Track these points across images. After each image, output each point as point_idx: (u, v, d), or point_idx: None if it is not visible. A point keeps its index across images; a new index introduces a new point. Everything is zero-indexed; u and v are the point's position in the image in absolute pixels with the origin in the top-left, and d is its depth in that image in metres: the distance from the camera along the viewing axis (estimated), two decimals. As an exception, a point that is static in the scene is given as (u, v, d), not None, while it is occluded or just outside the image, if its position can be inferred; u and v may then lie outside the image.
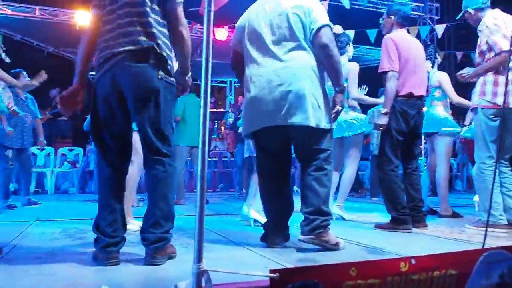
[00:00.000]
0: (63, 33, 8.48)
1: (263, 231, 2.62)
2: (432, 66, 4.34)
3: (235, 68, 2.76)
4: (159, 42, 2.07)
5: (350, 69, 3.90)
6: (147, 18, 2.05)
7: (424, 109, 4.23)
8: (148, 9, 2.06)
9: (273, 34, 2.48)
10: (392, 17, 3.49)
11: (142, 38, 2.04)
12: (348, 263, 1.81)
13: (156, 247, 2.05)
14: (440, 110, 4.26)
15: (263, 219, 3.69)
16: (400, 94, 3.30)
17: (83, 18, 7.98)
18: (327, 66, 2.48)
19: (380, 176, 3.41)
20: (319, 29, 2.41)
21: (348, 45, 4.05)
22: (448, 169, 4.29)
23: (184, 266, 1.81)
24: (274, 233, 2.56)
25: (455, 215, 4.10)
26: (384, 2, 10.67)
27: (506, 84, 3.09)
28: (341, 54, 4.02)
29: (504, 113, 3.22)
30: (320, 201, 2.39)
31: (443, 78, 4.32)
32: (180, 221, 3.57)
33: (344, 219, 3.89)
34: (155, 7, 2.10)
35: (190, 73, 2.33)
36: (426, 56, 4.33)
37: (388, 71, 3.28)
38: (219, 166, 9.01)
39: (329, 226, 2.41)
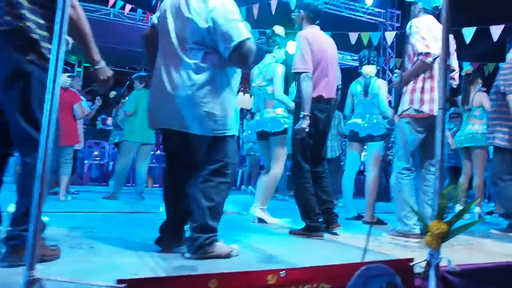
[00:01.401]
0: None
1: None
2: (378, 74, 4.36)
3: None
4: (29, 24, 1.89)
5: (276, 71, 3.84)
6: None
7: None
8: None
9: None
10: (302, 11, 3.37)
11: (8, 19, 1.87)
12: (208, 275, 1.72)
13: (12, 244, 1.86)
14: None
15: (269, 218, 3.71)
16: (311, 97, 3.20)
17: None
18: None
19: (294, 183, 3.36)
20: None
21: (278, 48, 3.99)
22: (377, 176, 4.28)
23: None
24: (168, 237, 2.43)
25: (379, 222, 4.10)
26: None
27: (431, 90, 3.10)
28: (268, 52, 3.97)
29: (430, 121, 3.22)
30: (204, 216, 2.25)
31: (381, 85, 4.32)
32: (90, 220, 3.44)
33: (266, 222, 3.82)
34: None
35: (100, 63, 2.14)
36: (370, 61, 4.35)
37: (302, 72, 3.18)
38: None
39: (215, 241, 2.28)
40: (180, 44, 2.30)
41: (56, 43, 1.44)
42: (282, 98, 3.85)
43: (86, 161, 7.59)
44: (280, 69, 3.87)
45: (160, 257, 2.24)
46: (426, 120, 3.18)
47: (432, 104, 3.15)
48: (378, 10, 11.70)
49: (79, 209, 4.19)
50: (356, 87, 4.40)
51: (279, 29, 4.02)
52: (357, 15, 11.37)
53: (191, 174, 2.37)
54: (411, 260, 1.98)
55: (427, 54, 3.02)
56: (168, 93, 2.27)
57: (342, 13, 11.00)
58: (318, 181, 3.34)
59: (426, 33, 3.10)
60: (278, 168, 3.82)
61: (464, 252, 2.89)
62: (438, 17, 3.36)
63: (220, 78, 2.30)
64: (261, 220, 3.84)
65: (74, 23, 1.96)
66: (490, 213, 5.76)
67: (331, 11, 10.51)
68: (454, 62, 3.39)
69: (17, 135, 1.95)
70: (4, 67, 1.88)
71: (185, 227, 2.44)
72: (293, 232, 3.25)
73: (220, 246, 2.30)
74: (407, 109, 3.20)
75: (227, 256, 2.29)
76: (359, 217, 4.34)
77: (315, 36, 3.29)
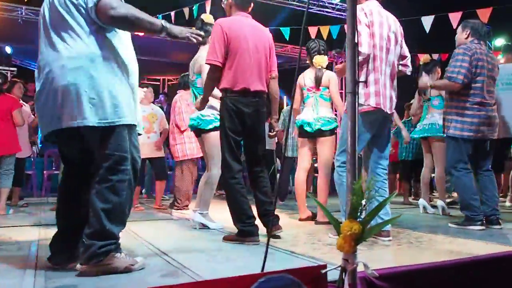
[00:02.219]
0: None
1: None
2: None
3: None
4: None
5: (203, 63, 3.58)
6: None
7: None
8: None
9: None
10: None
11: None
12: None
13: None
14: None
15: (211, 223, 3.50)
16: (233, 90, 2.95)
17: None
18: None
19: (223, 184, 3.11)
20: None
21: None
22: (327, 173, 4.04)
23: None
24: (59, 251, 2.13)
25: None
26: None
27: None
28: (202, 43, 3.69)
29: (379, 115, 3.02)
30: (99, 220, 1.98)
31: (332, 78, 4.10)
32: None
33: (209, 228, 3.55)
34: None
35: None
36: (320, 51, 4.13)
37: (209, 63, 2.96)
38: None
39: (113, 250, 2.01)
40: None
41: None
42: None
43: (45, 171, 7.22)
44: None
45: (44, 276, 1.96)
46: (374, 114, 2.98)
47: (378, 97, 2.96)
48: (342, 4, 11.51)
49: (8, 223, 3.86)
50: (304, 79, 4.15)
51: (207, 18, 3.75)
52: (326, 11, 11.16)
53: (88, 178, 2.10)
54: (324, 266, 1.73)
55: (358, 53, 2.83)
56: None
57: (311, 9, 10.78)
58: (256, 181, 3.07)
59: (362, 27, 2.89)
60: (215, 168, 3.52)
61: (410, 251, 2.66)
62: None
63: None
64: (204, 226, 3.57)
65: None
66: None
67: (300, 8, 10.29)
68: (404, 48, 3.20)
69: None
70: None
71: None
72: (226, 238, 2.98)
73: (119, 259, 2.02)
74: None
75: (127, 270, 2.02)
76: (313, 216, 4.09)
77: (235, 25, 3.01)
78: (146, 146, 5.20)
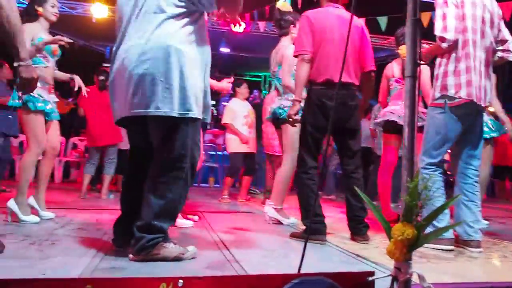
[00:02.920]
0: (82, 25, 8.65)
1: None
2: None
3: None
4: None
5: (286, 55, 3.44)
6: None
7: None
8: None
9: None
10: None
11: None
12: (83, 279, 1.47)
13: None
14: None
15: (284, 219, 3.44)
16: (316, 81, 2.79)
17: (99, 11, 8.08)
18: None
19: (295, 179, 2.97)
20: None
21: (293, 26, 3.58)
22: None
23: None
24: (119, 234, 2.22)
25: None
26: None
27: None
28: (283, 34, 3.59)
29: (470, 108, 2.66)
30: (150, 215, 2.01)
31: (422, 68, 3.71)
32: None
33: (281, 223, 3.46)
34: None
35: (24, 60, 1.96)
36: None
37: (297, 55, 2.82)
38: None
39: (161, 241, 2.02)
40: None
41: None
42: (288, 86, 3.45)
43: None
44: (290, 52, 3.48)
45: (101, 257, 2.05)
46: (465, 108, 2.64)
47: (470, 88, 2.60)
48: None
49: (102, 206, 4.18)
50: (392, 70, 3.83)
51: (284, 5, 3.63)
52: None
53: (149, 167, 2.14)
54: (371, 273, 1.53)
55: (442, 39, 2.53)
56: None
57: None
58: (347, 181, 2.88)
59: (449, 7, 2.56)
60: (290, 161, 3.41)
61: (502, 267, 2.29)
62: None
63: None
64: (278, 221, 3.48)
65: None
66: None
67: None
68: (503, 31, 2.76)
69: None
70: None
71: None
72: (293, 235, 2.86)
73: (168, 248, 2.03)
74: (440, 97, 2.67)
75: (177, 259, 2.02)
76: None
77: (321, 15, 2.87)
78: (251, 141, 5.37)
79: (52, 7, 3.14)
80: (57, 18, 3.18)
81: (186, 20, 2.08)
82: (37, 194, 3.17)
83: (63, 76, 3.37)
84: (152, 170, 2.08)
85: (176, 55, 2.01)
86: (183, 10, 2.06)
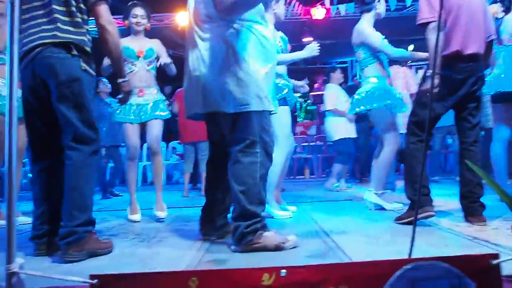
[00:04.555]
0: (170, 35, 9.11)
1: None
2: (506, 12, 3.31)
3: None
4: (83, 38, 2.10)
5: (365, 32, 3.25)
6: (74, 17, 2.08)
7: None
8: (73, 8, 2.08)
9: None
10: None
11: (66, 34, 2.06)
12: (188, 272, 1.49)
13: (67, 242, 1.94)
14: None
15: (387, 204, 3.30)
16: (443, 54, 2.52)
17: (184, 19, 8.46)
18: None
19: (404, 151, 2.76)
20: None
21: (378, 1, 3.35)
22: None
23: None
24: (203, 224, 2.35)
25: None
26: None
27: None
28: (368, 10, 3.37)
29: None
30: (240, 201, 2.04)
31: None
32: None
33: (384, 209, 3.27)
34: (80, 4, 2.11)
35: (123, 77, 2.33)
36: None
37: (429, 22, 2.52)
38: (325, 151, 8.62)
39: (260, 229, 2.03)
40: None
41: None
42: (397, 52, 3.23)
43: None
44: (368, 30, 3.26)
45: (205, 250, 2.10)
46: None
47: None
48: None
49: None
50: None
51: None
52: None
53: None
54: (495, 256, 1.36)
55: None
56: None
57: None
58: (464, 154, 2.64)
59: None
60: (390, 144, 3.21)
61: None
62: None
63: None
64: (380, 207, 3.31)
65: (108, 36, 2.15)
66: None
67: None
68: None
69: (67, 132, 2.07)
70: (63, 73, 2.03)
71: (223, 216, 2.39)
72: (398, 218, 2.67)
73: (269, 237, 2.02)
74: None
75: (278, 248, 2.00)
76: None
77: None
78: (352, 127, 5.26)
79: (134, 17, 3.33)
80: (141, 28, 3.35)
81: (230, 25, 2.12)
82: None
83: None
84: (230, 160, 2.14)
85: (233, 54, 2.09)
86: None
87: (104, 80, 5.54)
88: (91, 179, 2.09)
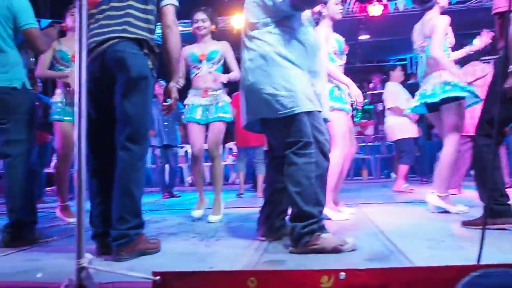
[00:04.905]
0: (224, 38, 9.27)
1: None
2: None
3: None
4: (154, 37, 2.19)
5: (437, 25, 3.08)
6: (148, 15, 2.16)
7: None
8: (151, 7, 2.17)
9: None
10: None
11: (139, 30, 2.13)
12: (247, 272, 1.50)
13: (119, 244, 2.00)
14: None
15: (452, 207, 3.14)
16: None
17: (239, 22, 8.57)
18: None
19: (473, 154, 2.59)
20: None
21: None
22: None
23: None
24: (263, 223, 2.36)
25: None
26: None
27: None
28: (428, 8, 3.23)
29: None
30: (295, 202, 2.04)
31: None
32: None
33: (449, 211, 3.12)
34: (154, 7, 2.19)
35: (176, 81, 2.33)
36: None
37: (506, 11, 2.31)
38: (384, 151, 8.38)
39: (317, 230, 2.00)
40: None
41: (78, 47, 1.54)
42: (438, 56, 3.07)
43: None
44: (443, 21, 3.10)
45: (263, 250, 2.11)
46: None
47: None
48: None
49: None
50: None
51: None
52: None
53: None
54: None
55: None
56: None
57: None
58: None
59: None
60: (452, 144, 3.05)
61: None
62: None
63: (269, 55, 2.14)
64: (443, 210, 3.16)
65: (171, 37, 2.20)
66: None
67: None
68: None
69: (124, 130, 2.09)
70: (135, 69, 2.06)
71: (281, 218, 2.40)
72: (467, 223, 2.51)
73: (327, 238, 1.99)
74: None
75: (335, 250, 1.97)
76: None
77: None
78: (413, 126, 5.09)
79: (195, 23, 3.43)
80: (204, 32, 3.44)
81: (278, 26, 2.15)
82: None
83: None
84: (285, 165, 2.13)
85: (273, 61, 2.12)
86: (271, 19, 2.16)
87: (162, 81, 5.73)
88: (141, 183, 2.14)
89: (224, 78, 3.38)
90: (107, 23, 2.12)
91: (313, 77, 2.19)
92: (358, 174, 8.19)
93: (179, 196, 5.88)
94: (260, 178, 5.39)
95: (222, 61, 3.41)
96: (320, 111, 2.17)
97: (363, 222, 2.91)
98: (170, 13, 2.19)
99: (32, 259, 2.10)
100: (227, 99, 3.48)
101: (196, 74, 3.39)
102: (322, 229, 2.03)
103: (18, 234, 2.47)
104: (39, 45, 2.65)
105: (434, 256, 1.88)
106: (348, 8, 8.21)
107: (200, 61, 3.36)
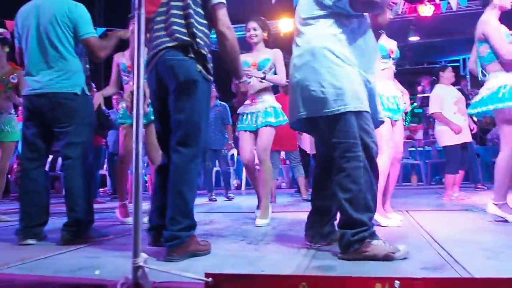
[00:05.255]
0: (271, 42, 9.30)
1: None
2: None
3: None
4: (198, 40, 2.16)
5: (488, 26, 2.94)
6: (189, 19, 2.17)
7: None
8: (191, 10, 2.18)
9: None
10: None
11: (182, 36, 2.16)
12: (299, 276, 1.49)
13: (171, 245, 2.05)
14: None
15: (507, 215, 3.00)
16: None
17: (286, 26, 8.58)
18: None
19: None
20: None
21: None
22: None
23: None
24: (311, 229, 2.31)
25: None
26: None
27: None
28: (487, 4, 3.08)
29: None
30: (345, 209, 1.99)
31: None
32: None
33: (507, 221, 2.97)
34: (197, 9, 2.21)
35: (242, 78, 2.46)
36: None
37: None
38: (434, 156, 8.08)
39: (368, 237, 1.96)
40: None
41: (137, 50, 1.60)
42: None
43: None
44: (492, 23, 2.96)
45: (312, 256, 2.09)
46: None
47: None
48: None
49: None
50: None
51: None
52: None
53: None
54: None
55: None
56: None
57: None
58: None
59: None
60: (508, 148, 2.92)
61: None
62: None
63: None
64: (502, 219, 3.01)
65: (227, 41, 2.24)
66: None
67: None
68: None
69: (175, 134, 2.17)
70: (181, 74, 2.14)
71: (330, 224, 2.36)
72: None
73: (378, 246, 1.95)
74: None
75: (387, 257, 1.92)
76: None
77: None
78: (464, 130, 4.87)
79: (247, 32, 3.50)
80: (256, 40, 3.49)
81: (335, 23, 2.12)
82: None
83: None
84: (333, 167, 2.09)
85: (323, 57, 2.08)
86: (325, 15, 2.12)
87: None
88: (193, 185, 2.18)
89: (259, 74, 3.42)
90: (157, 35, 2.21)
91: (367, 78, 2.14)
92: (407, 179, 7.94)
93: (232, 199, 5.98)
94: (301, 180, 5.40)
95: (273, 69, 3.47)
96: (368, 112, 2.11)
97: (413, 230, 2.83)
98: (221, 17, 2.21)
99: (90, 257, 2.20)
100: (276, 104, 3.52)
101: (248, 83, 3.43)
102: (373, 235, 1.98)
103: (76, 232, 2.60)
104: (97, 53, 2.78)
105: (493, 267, 1.80)
106: (397, 10, 8.01)
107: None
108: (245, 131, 3.49)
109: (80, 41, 2.76)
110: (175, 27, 2.16)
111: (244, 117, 3.51)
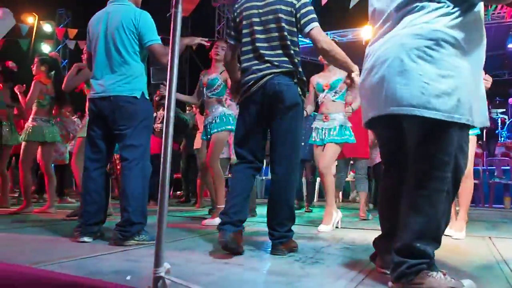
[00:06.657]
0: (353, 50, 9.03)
1: None
2: None
3: None
4: (299, 68, 2.59)
5: None
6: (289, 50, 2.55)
7: None
8: (288, 42, 2.54)
9: None
10: None
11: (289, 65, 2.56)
12: None
13: (280, 242, 2.50)
14: None
15: None
16: None
17: (368, 33, 8.30)
18: None
19: None
20: None
21: None
22: None
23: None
24: (384, 253, 1.96)
25: None
26: None
27: None
28: None
29: None
30: (410, 235, 1.67)
31: None
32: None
33: None
34: (294, 39, 2.57)
35: (355, 70, 2.61)
36: None
37: None
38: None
39: (425, 269, 1.66)
40: None
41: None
42: None
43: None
44: None
45: (359, 281, 1.87)
46: None
47: None
48: None
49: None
50: None
51: None
52: None
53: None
54: None
55: None
56: None
57: None
58: None
59: None
60: None
61: None
62: None
63: None
64: None
65: (328, 52, 2.54)
66: None
67: None
68: None
69: (279, 150, 2.56)
70: (288, 99, 2.50)
71: None
72: None
73: (436, 279, 1.67)
74: None
75: (447, 291, 1.64)
76: None
77: None
78: None
79: None
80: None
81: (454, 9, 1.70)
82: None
83: None
84: (408, 182, 1.77)
85: (437, 48, 1.66)
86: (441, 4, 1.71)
87: None
88: (294, 192, 2.62)
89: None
90: (262, 60, 2.55)
91: (475, 81, 1.74)
92: (500, 201, 7.15)
93: (311, 211, 5.82)
94: (363, 196, 4.92)
95: (345, 88, 3.84)
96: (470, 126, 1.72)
97: (491, 260, 2.45)
98: (317, 37, 2.50)
99: (132, 260, 2.19)
100: (347, 123, 3.86)
101: (321, 102, 3.93)
102: (432, 266, 1.70)
103: (127, 233, 2.63)
104: (161, 59, 2.81)
105: None
106: (493, 13, 7.25)
107: (323, 90, 3.88)
108: (317, 145, 3.96)
109: (144, 48, 2.83)
110: (284, 58, 2.53)
111: (315, 131, 3.94)
